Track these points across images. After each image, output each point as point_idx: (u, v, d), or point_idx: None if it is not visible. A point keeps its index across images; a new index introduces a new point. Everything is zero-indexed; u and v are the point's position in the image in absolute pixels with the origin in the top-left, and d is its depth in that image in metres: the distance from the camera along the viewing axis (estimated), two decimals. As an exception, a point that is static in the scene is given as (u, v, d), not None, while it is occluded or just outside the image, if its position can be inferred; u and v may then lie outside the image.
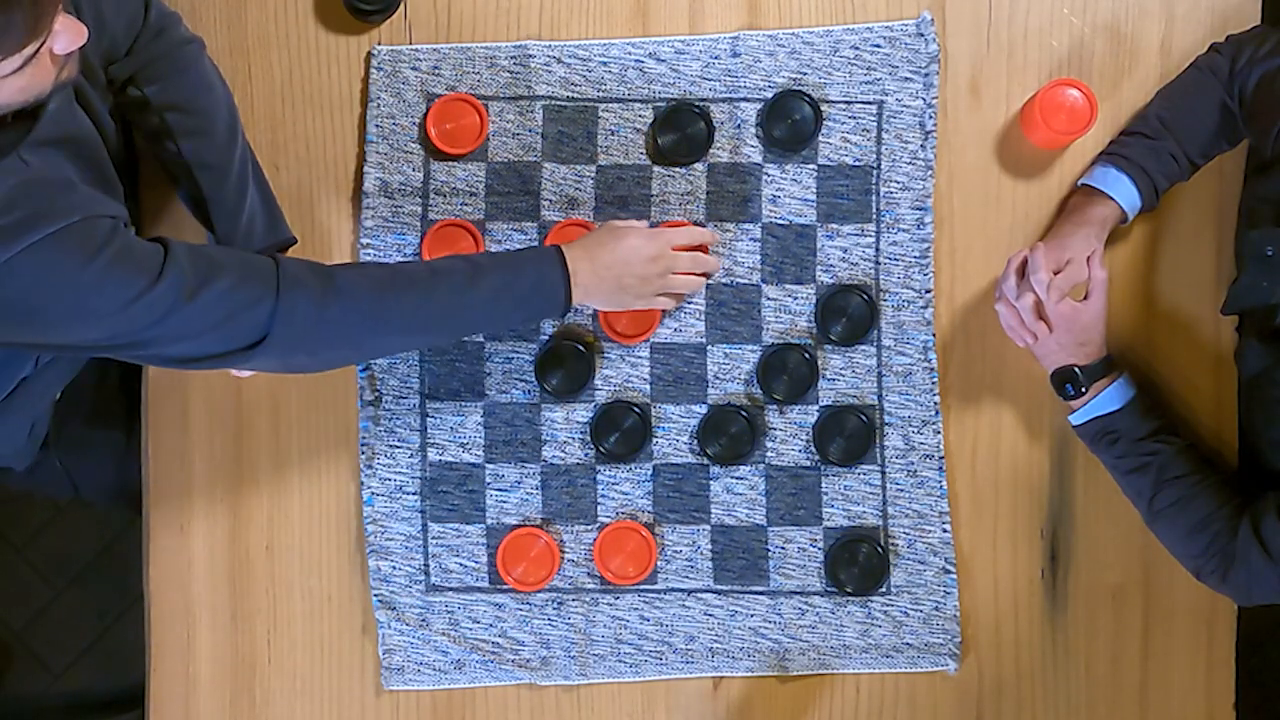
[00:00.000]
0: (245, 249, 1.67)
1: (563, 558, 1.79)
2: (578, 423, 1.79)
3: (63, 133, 1.44)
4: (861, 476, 1.79)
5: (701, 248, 1.75)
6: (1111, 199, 1.71)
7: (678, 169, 1.79)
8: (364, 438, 1.79)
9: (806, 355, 1.78)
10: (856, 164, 1.79)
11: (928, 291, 1.79)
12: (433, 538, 1.79)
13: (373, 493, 1.79)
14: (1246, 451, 1.73)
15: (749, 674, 1.80)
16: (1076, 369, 1.67)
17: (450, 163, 1.80)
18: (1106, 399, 1.68)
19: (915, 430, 1.79)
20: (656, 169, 1.79)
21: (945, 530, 1.79)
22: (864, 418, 1.78)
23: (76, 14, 1.44)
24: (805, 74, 1.79)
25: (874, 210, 1.79)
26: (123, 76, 1.61)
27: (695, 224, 1.78)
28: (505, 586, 1.79)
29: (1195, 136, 1.72)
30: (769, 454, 1.79)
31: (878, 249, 1.79)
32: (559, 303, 1.62)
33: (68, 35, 1.29)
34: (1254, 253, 1.58)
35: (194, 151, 1.64)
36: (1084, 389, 1.68)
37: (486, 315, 1.62)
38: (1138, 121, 1.76)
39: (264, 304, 1.47)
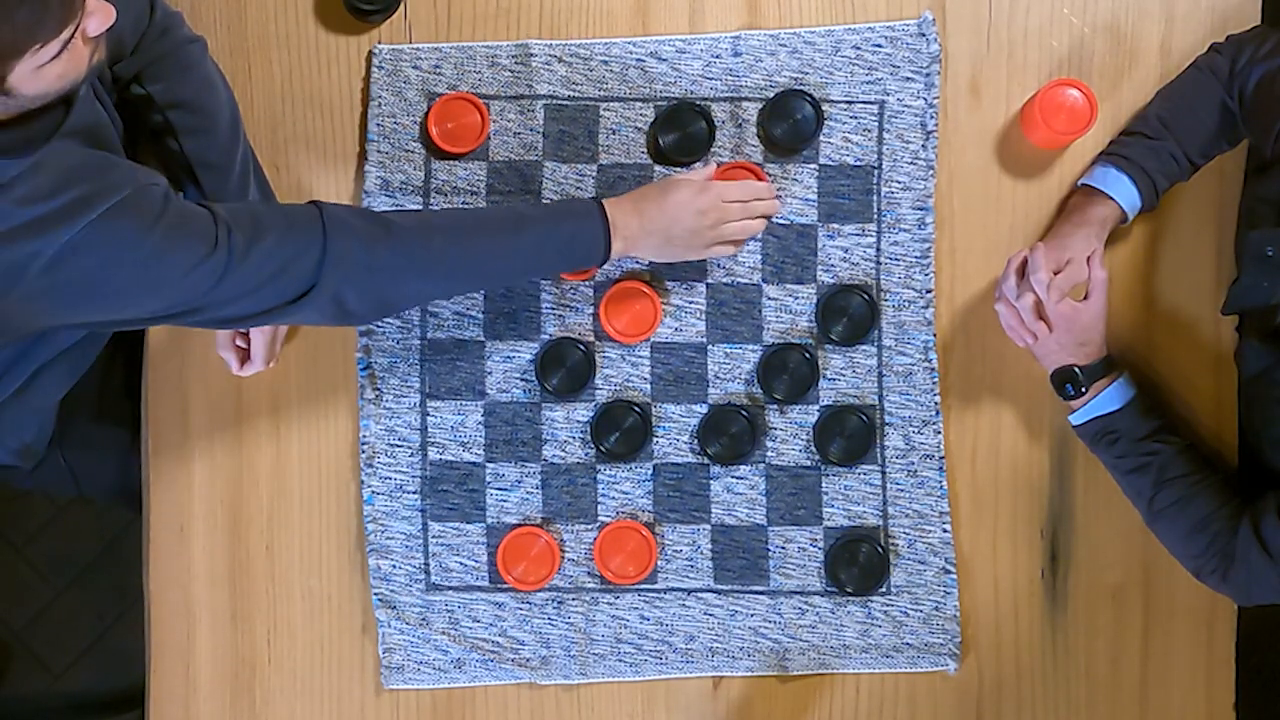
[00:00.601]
0: None
1: (563, 557, 1.79)
2: (578, 422, 1.79)
3: (84, 123, 1.46)
4: (862, 476, 1.79)
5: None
6: (1111, 199, 1.71)
7: (679, 168, 1.79)
8: (364, 437, 1.79)
9: (807, 355, 1.79)
10: (858, 164, 1.79)
11: (928, 291, 1.79)
12: (433, 537, 1.79)
13: (373, 492, 1.79)
14: (1246, 451, 1.73)
15: (749, 674, 1.80)
16: (1076, 369, 1.67)
17: (451, 162, 1.80)
18: (1106, 399, 1.68)
19: (915, 430, 1.79)
20: (658, 168, 1.80)
21: (945, 530, 1.79)
22: (864, 418, 1.78)
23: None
24: (806, 73, 1.79)
25: (875, 210, 1.79)
26: (128, 75, 1.61)
27: (753, 168, 1.77)
28: (505, 586, 1.79)
29: (1195, 136, 1.72)
30: (769, 454, 1.79)
31: (879, 249, 1.80)
32: (599, 254, 1.63)
33: (99, 16, 1.30)
34: (1254, 253, 1.58)
35: (196, 150, 1.64)
36: (1084, 389, 1.68)
37: (528, 263, 1.64)
38: (1138, 121, 1.76)
39: (312, 251, 1.48)
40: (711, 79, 1.80)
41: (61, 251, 1.36)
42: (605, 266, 1.78)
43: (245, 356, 1.73)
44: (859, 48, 1.79)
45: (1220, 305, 1.67)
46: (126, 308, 1.45)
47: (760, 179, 1.77)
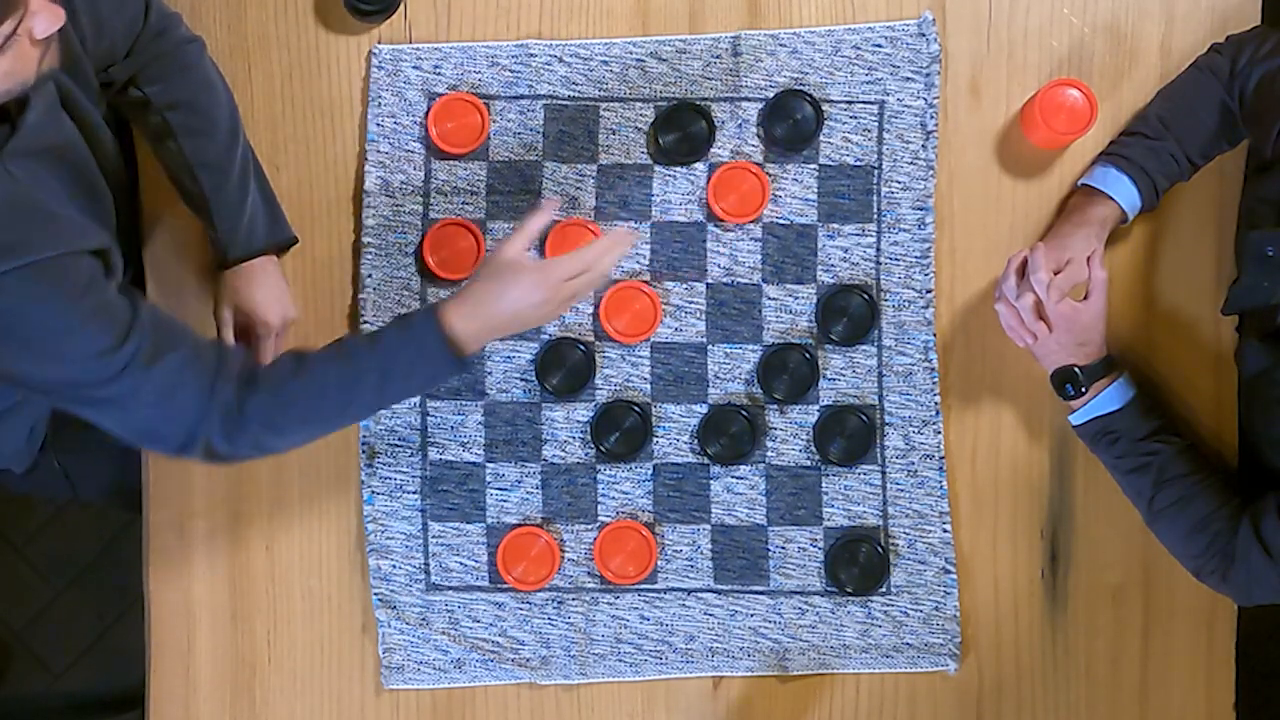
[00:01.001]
0: (248, 248, 1.67)
1: (563, 557, 1.79)
2: (578, 422, 1.79)
3: (47, 143, 1.43)
4: (862, 476, 1.79)
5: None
6: (1111, 199, 1.71)
7: (679, 168, 1.79)
8: (364, 437, 1.79)
9: (807, 355, 1.79)
10: (858, 164, 1.79)
11: (928, 291, 1.79)
12: (433, 537, 1.79)
13: (373, 491, 1.79)
14: (1246, 451, 1.73)
15: (749, 674, 1.80)
16: (1076, 369, 1.67)
17: (451, 162, 1.80)
18: (1107, 399, 1.68)
19: (915, 430, 1.79)
20: (658, 168, 1.80)
21: (945, 530, 1.79)
22: (864, 418, 1.78)
23: (72, 17, 1.44)
24: (807, 74, 1.79)
25: (875, 210, 1.79)
26: (123, 78, 1.61)
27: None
28: (505, 586, 1.79)
29: (1195, 137, 1.72)
30: (769, 454, 1.79)
31: (878, 249, 1.80)
32: (449, 366, 1.54)
33: (46, 16, 1.28)
34: (1254, 253, 1.58)
35: (196, 151, 1.64)
36: (1084, 389, 1.68)
37: (380, 400, 1.58)
38: (1137, 122, 1.76)
39: (201, 395, 1.46)
40: (712, 79, 1.80)
41: None
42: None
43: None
44: (859, 48, 1.79)
45: (1220, 305, 1.67)
46: (21, 366, 1.42)
47: (595, 233, 1.74)
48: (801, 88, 1.78)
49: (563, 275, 1.54)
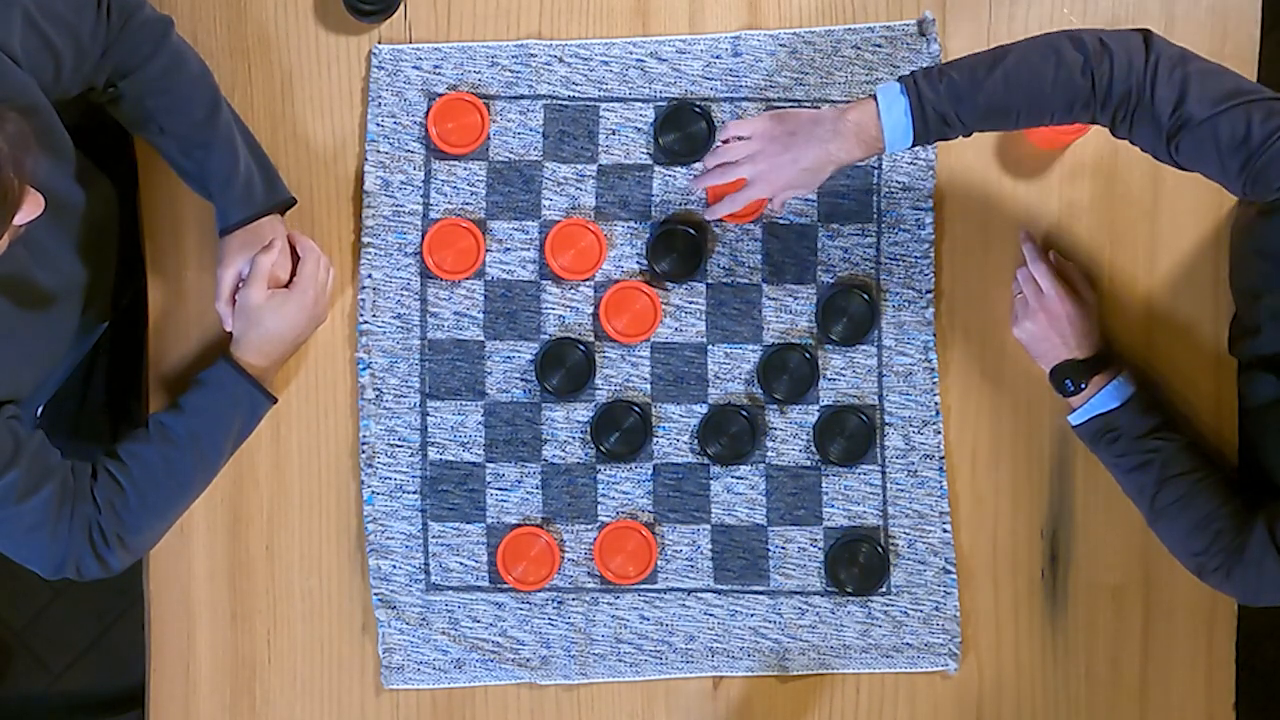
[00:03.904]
0: (247, 213, 1.69)
1: (563, 557, 1.79)
2: (578, 422, 1.79)
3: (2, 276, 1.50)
4: (862, 476, 1.79)
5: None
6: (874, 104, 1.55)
7: (679, 168, 1.79)
8: (364, 437, 1.79)
9: (807, 355, 1.79)
10: (858, 164, 1.79)
11: (928, 291, 1.79)
12: (433, 537, 1.79)
13: (373, 492, 1.79)
14: (1253, 472, 1.71)
15: (749, 674, 1.80)
16: (1076, 364, 1.67)
17: (451, 162, 1.80)
18: (1107, 396, 1.68)
19: (915, 430, 1.79)
20: (658, 168, 1.80)
21: (945, 530, 1.79)
22: (864, 418, 1.78)
23: (55, 56, 1.49)
24: (807, 73, 1.79)
25: (875, 210, 1.79)
26: (101, 80, 1.62)
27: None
28: (505, 586, 1.79)
29: (1021, 116, 1.53)
30: (769, 454, 1.79)
31: (879, 249, 1.80)
32: (262, 404, 1.70)
33: (27, 209, 1.34)
34: (1274, 316, 1.56)
35: (177, 128, 1.65)
36: (1083, 385, 1.67)
37: (209, 458, 1.68)
38: (980, 67, 1.53)
39: (63, 522, 1.58)
40: (711, 79, 1.80)
41: None
42: (605, 267, 1.78)
43: None
44: (859, 48, 1.79)
45: (1228, 346, 1.66)
46: None
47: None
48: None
49: (304, 284, 1.70)
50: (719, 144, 1.69)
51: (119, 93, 1.63)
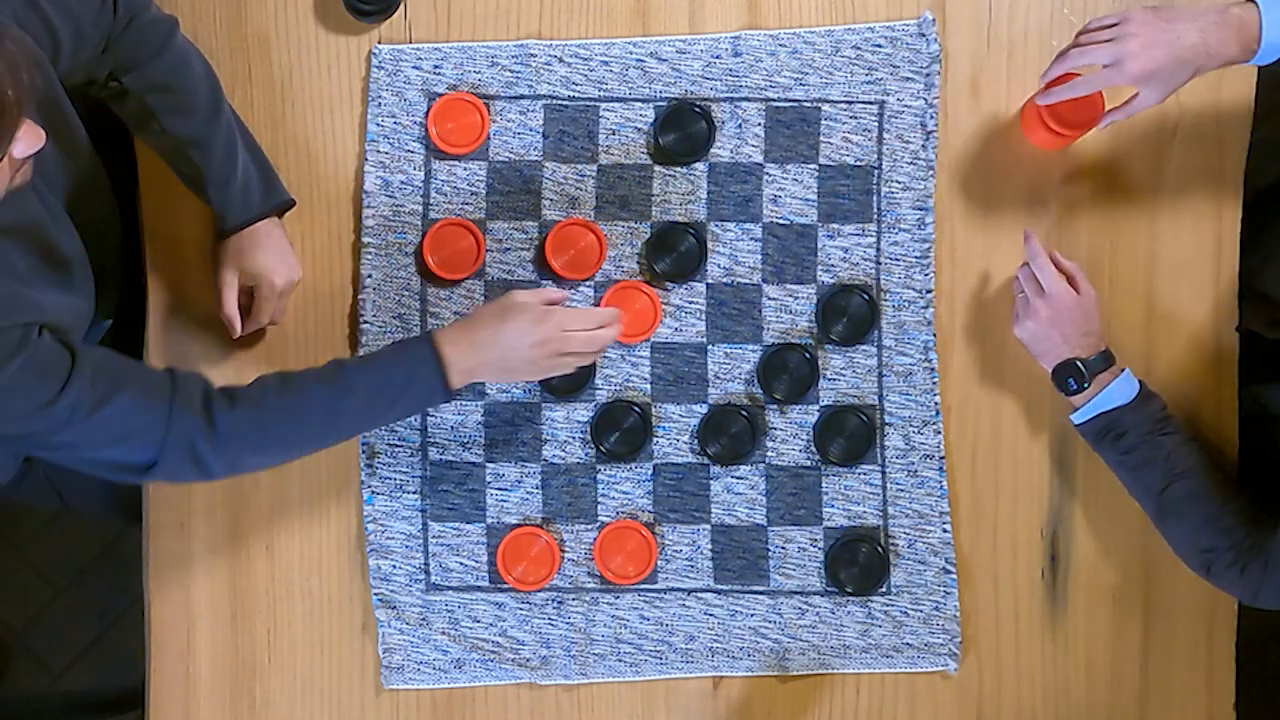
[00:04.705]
0: (244, 213, 1.68)
1: (563, 557, 1.79)
2: (578, 422, 1.79)
3: (7, 222, 1.46)
4: (862, 476, 1.79)
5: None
6: (1257, 8, 1.53)
7: (679, 168, 1.79)
8: (364, 436, 1.79)
9: (807, 355, 1.79)
10: (858, 164, 1.79)
11: (928, 291, 1.79)
12: (433, 537, 1.79)
13: (373, 492, 1.79)
14: (1263, 480, 1.72)
15: (749, 674, 1.80)
16: (1078, 362, 1.67)
17: (451, 162, 1.80)
18: (1113, 393, 1.67)
19: (915, 430, 1.79)
20: (658, 168, 1.80)
21: (945, 530, 1.79)
22: (864, 418, 1.78)
23: (54, 38, 1.47)
24: (806, 73, 1.79)
25: (875, 210, 1.79)
26: (104, 73, 1.61)
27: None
28: (505, 586, 1.79)
29: None
30: (769, 454, 1.80)
31: (879, 249, 1.80)
32: (438, 393, 1.59)
33: (27, 141, 1.31)
34: None
35: (179, 128, 1.65)
36: (1086, 383, 1.67)
37: (365, 419, 1.62)
38: None
39: (156, 429, 1.50)
40: (711, 79, 1.80)
41: None
42: (605, 267, 1.78)
43: (247, 316, 1.73)
44: (859, 48, 1.80)
45: (1230, 346, 1.66)
46: None
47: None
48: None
49: (562, 323, 1.59)
50: (1082, 32, 1.58)
51: (122, 88, 1.63)
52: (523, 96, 1.80)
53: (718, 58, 1.80)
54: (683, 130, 1.79)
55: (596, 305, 1.79)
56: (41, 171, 1.49)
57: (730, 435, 1.79)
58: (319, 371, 1.59)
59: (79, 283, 1.60)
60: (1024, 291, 1.71)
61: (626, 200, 1.80)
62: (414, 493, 1.79)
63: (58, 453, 1.51)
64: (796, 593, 1.80)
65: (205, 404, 1.53)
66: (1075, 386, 1.68)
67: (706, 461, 1.80)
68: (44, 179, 1.52)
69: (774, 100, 1.79)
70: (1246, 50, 1.53)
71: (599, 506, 1.80)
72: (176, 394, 1.52)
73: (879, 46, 1.80)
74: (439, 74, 1.80)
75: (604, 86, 1.80)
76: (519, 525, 1.79)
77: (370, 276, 1.80)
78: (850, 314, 1.79)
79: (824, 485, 1.80)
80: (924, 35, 1.79)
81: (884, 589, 1.80)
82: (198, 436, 1.52)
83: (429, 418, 1.79)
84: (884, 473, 1.79)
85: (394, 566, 1.79)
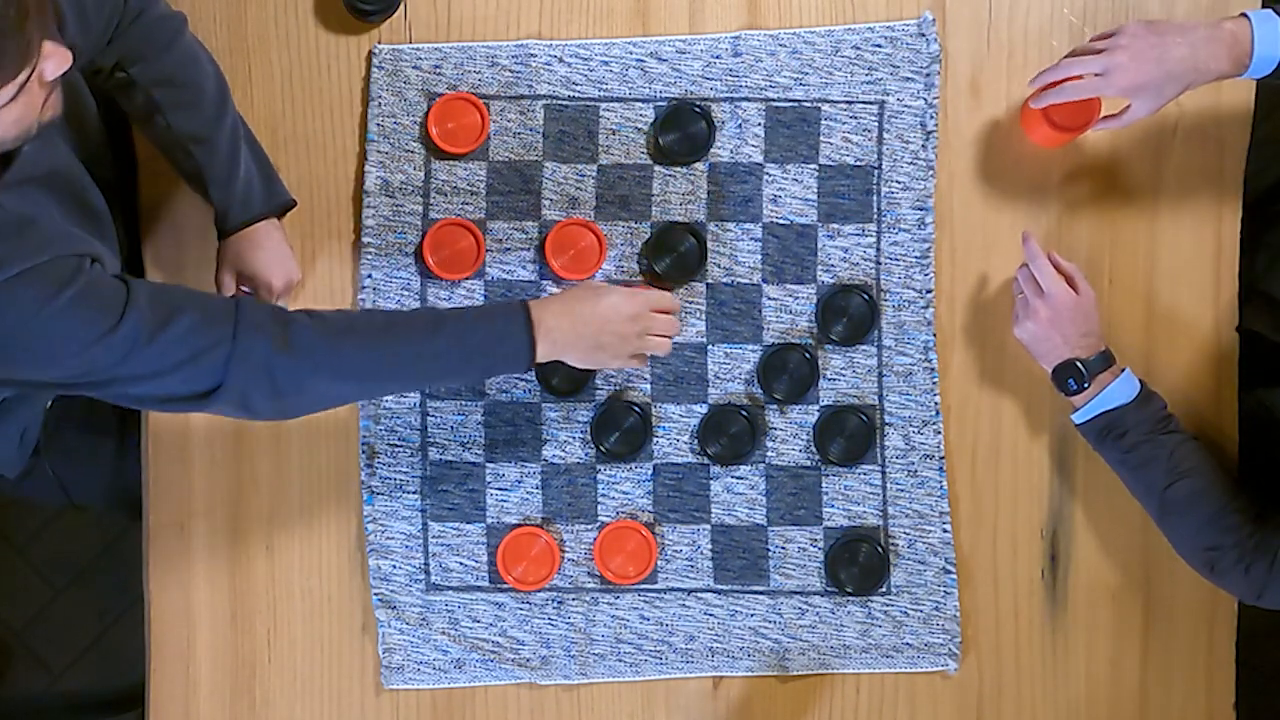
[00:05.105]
0: (245, 213, 1.68)
1: (563, 557, 1.79)
2: (578, 422, 1.79)
3: (41, 170, 1.44)
4: (862, 476, 1.79)
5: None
6: (1249, 22, 1.55)
7: (679, 168, 1.79)
8: (364, 436, 1.79)
9: (807, 355, 1.79)
10: (858, 164, 1.79)
11: (928, 291, 1.79)
12: (433, 537, 1.79)
13: (373, 491, 1.79)
14: (1268, 482, 1.72)
15: (749, 674, 1.80)
16: (1078, 362, 1.67)
17: (451, 162, 1.80)
18: (1114, 393, 1.67)
19: (916, 430, 1.79)
20: (658, 168, 1.80)
21: (945, 530, 1.79)
22: (864, 418, 1.78)
23: (58, 19, 1.45)
24: (806, 73, 1.79)
25: (875, 210, 1.79)
26: (110, 63, 1.61)
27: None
28: (505, 586, 1.79)
29: None
30: (769, 454, 1.79)
31: (879, 249, 1.80)
32: (522, 358, 1.56)
33: (56, 59, 1.29)
34: None
35: (183, 124, 1.64)
36: (1086, 383, 1.67)
37: (445, 367, 1.57)
38: None
39: (221, 348, 1.44)
40: (711, 79, 1.80)
41: None
42: (605, 267, 1.78)
43: None
44: (859, 48, 1.80)
45: (1233, 345, 1.66)
46: (29, 372, 1.42)
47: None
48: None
49: (650, 301, 1.62)
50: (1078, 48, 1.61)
51: (129, 79, 1.62)
52: (523, 96, 1.80)
53: (718, 58, 1.80)
54: (683, 130, 1.79)
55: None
56: (62, 132, 1.49)
57: (730, 435, 1.79)
58: (407, 311, 1.57)
59: (109, 238, 1.59)
60: (1023, 293, 1.71)
61: (626, 200, 1.80)
62: (414, 493, 1.79)
63: (124, 389, 1.45)
64: (796, 593, 1.80)
65: (278, 319, 1.48)
66: (1075, 387, 1.68)
67: (706, 461, 1.80)
68: (64, 139, 1.51)
69: (774, 100, 1.79)
70: (1238, 65, 1.55)
71: (599, 506, 1.80)
72: (241, 312, 1.47)
73: (879, 46, 1.80)
74: (439, 74, 1.80)
75: (604, 86, 1.80)
76: (519, 525, 1.79)
77: (370, 276, 1.80)
78: (850, 314, 1.79)
79: (824, 485, 1.80)
80: (924, 35, 1.79)
81: (884, 589, 1.80)
82: (268, 351, 1.46)
83: (429, 418, 1.79)
84: (884, 473, 1.79)
85: (394, 566, 1.79)
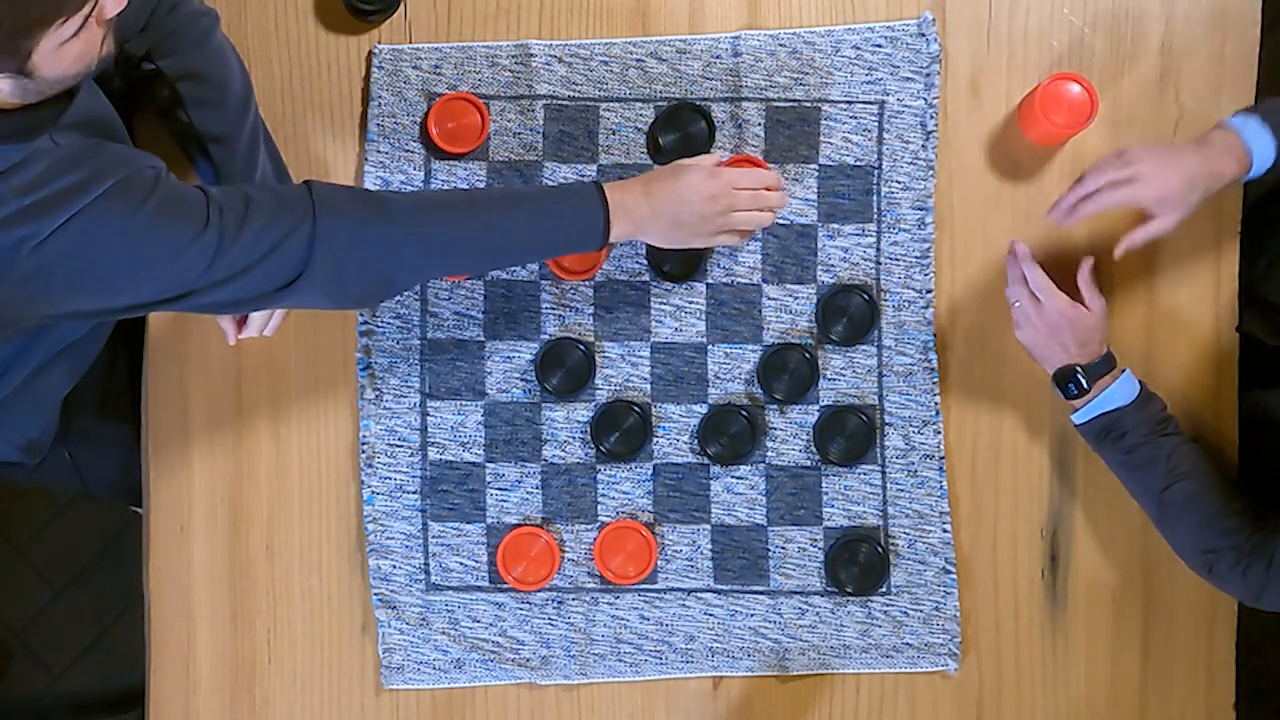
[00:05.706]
0: None
1: (563, 557, 1.79)
2: (578, 422, 1.79)
3: (85, 114, 1.46)
4: (862, 476, 1.79)
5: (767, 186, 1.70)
6: (1237, 134, 1.62)
7: (678, 168, 1.79)
8: (364, 437, 1.79)
9: (807, 355, 1.79)
10: (858, 164, 1.79)
11: (928, 291, 1.79)
12: (433, 537, 1.79)
13: (373, 492, 1.79)
14: (1267, 484, 1.72)
15: (749, 674, 1.80)
16: (1078, 368, 1.67)
17: (451, 162, 1.80)
18: (1114, 394, 1.67)
19: (915, 430, 1.79)
20: (658, 169, 1.79)
21: (945, 530, 1.79)
22: (864, 418, 1.78)
23: None
24: (806, 73, 1.79)
25: (875, 210, 1.79)
26: (139, 52, 1.61)
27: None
28: (505, 586, 1.79)
29: None
30: (769, 454, 1.80)
31: (878, 249, 1.80)
32: (597, 236, 1.59)
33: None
34: None
35: (205, 122, 1.64)
36: (1086, 388, 1.67)
37: (524, 241, 1.61)
38: None
39: (302, 231, 1.47)
40: (711, 79, 1.80)
41: (53, 237, 1.36)
42: (605, 267, 1.78)
43: (243, 324, 1.73)
44: (859, 48, 1.80)
45: (1233, 346, 1.66)
46: (119, 293, 1.44)
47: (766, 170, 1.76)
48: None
49: (734, 180, 1.64)
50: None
51: (156, 71, 1.63)
52: (523, 96, 1.80)
53: (718, 58, 1.80)
54: (683, 130, 1.79)
55: (595, 306, 1.79)
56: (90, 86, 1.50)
57: (730, 435, 1.79)
58: (484, 189, 1.62)
59: None
60: (1019, 302, 1.70)
61: (626, 200, 1.79)
62: (414, 493, 1.79)
63: (212, 296, 1.46)
64: (796, 593, 1.80)
65: (357, 193, 1.54)
66: (1075, 392, 1.68)
67: (706, 461, 1.80)
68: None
69: (774, 100, 1.79)
70: (1242, 166, 1.61)
71: (599, 506, 1.80)
72: (315, 193, 1.49)
73: (879, 46, 1.80)
74: (439, 74, 1.80)
75: (604, 86, 1.80)
76: (519, 525, 1.79)
77: (370, 276, 1.79)
78: (850, 314, 1.79)
79: (824, 485, 1.80)
80: (924, 35, 1.79)
81: (884, 589, 1.80)
82: (356, 221, 1.49)
83: (429, 418, 1.79)
84: (884, 473, 1.79)
85: (394, 566, 1.79)
